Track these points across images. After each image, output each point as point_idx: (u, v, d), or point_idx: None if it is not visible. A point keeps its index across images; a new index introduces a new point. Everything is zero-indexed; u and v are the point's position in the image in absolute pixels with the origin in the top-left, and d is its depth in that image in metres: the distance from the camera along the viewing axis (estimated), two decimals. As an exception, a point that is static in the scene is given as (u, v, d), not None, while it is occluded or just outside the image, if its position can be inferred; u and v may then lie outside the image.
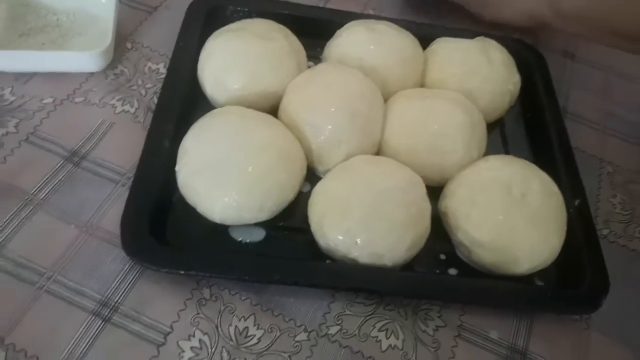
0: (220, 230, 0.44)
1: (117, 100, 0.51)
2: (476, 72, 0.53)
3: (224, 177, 0.42)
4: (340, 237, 0.41)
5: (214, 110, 0.46)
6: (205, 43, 0.51)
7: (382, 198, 0.42)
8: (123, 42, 0.56)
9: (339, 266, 0.42)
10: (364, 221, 0.41)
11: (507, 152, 0.55)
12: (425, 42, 0.57)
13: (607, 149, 0.58)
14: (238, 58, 0.49)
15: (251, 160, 0.42)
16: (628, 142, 0.59)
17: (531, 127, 0.57)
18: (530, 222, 0.43)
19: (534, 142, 0.56)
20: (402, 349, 0.41)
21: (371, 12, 0.67)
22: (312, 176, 0.48)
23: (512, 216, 0.43)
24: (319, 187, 0.45)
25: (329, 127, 0.46)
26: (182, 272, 0.40)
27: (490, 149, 0.52)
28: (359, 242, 0.41)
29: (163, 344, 0.39)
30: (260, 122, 0.45)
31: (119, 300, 0.40)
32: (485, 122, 0.53)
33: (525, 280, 0.45)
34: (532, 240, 0.43)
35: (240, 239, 0.44)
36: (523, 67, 0.58)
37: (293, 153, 0.45)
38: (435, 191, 0.48)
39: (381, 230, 0.41)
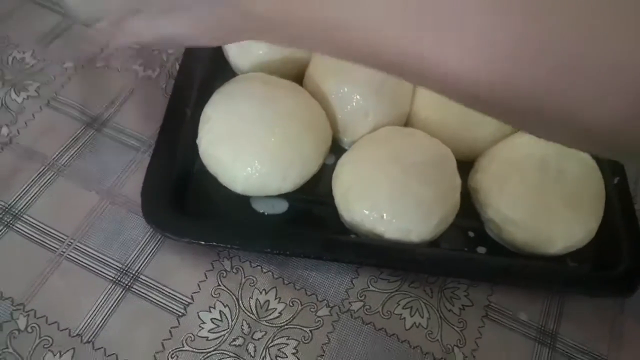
0: (243, 201, 0.43)
1: (139, 65, 0.50)
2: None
3: (247, 146, 0.40)
4: (366, 212, 0.40)
5: (237, 77, 0.45)
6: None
7: (410, 172, 0.40)
8: (145, 5, 0.54)
9: (364, 241, 0.41)
10: (391, 196, 0.39)
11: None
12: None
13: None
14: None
15: (274, 130, 0.41)
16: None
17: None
18: (566, 201, 0.41)
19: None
20: (426, 327, 0.40)
21: None
22: (337, 148, 0.46)
23: (547, 194, 0.41)
24: (344, 159, 0.43)
25: (356, 96, 0.44)
26: (203, 242, 0.39)
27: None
28: (385, 217, 0.39)
29: (183, 314, 0.38)
30: (285, 90, 0.43)
31: (139, 269, 0.39)
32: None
33: (557, 260, 0.43)
34: (567, 220, 0.41)
35: (262, 211, 0.43)
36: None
37: (318, 123, 0.43)
38: (465, 166, 0.46)
39: (409, 206, 0.39)
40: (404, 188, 0.40)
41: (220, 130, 0.41)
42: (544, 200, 0.41)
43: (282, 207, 0.43)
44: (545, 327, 0.41)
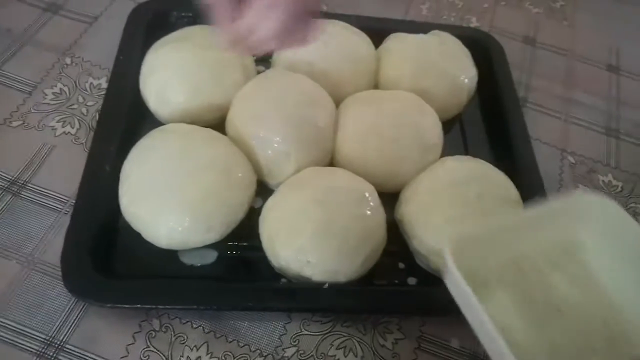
0: (170, 255, 0.42)
1: (57, 121, 0.49)
2: (430, 69, 0.51)
3: (167, 201, 0.40)
4: (291, 256, 0.40)
5: (154, 131, 0.44)
6: (145, 56, 0.49)
7: (333, 213, 0.41)
8: (62, 57, 0.53)
9: (292, 286, 0.41)
10: (315, 239, 0.40)
11: (466, 148, 0.54)
12: (379, 37, 0.55)
13: (569, 138, 0.57)
14: (179, 71, 0.47)
15: (194, 182, 0.41)
16: (591, 129, 0.59)
17: (490, 121, 0.55)
18: (486, 227, 0.42)
19: (492, 137, 0.55)
20: (361, 367, 0.40)
21: (324, 8, 0.64)
22: (264, 190, 0.46)
23: (467, 222, 0.42)
24: (268, 204, 0.43)
25: (276, 139, 0.44)
26: (127, 305, 0.38)
27: (450, 145, 0.51)
28: (311, 260, 0.40)
29: (112, 381, 0.37)
30: (204, 140, 0.43)
31: (64, 339, 0.38)
32: (443, 118, 0.52)
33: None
34: (489, 246, 0.42)
35: (191, 263, 0.43)
36: (481, 57, 0.57)
37: (240, 170, 0.43)
38: (393, 197, 0.47)
39: (334, 247, 0.40)
40: (327, 231, 0.40)
41: (139, 188, 0.41)
42: (464, 229, 0.42)
43: (211, 257, 0.43)
44: (476, 354, 0.42)
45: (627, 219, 0.34)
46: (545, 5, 0.71)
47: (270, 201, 0.43)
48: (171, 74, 0.47)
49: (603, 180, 0.54)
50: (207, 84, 0.47)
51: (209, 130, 0.45)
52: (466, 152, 0.53)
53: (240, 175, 0.43)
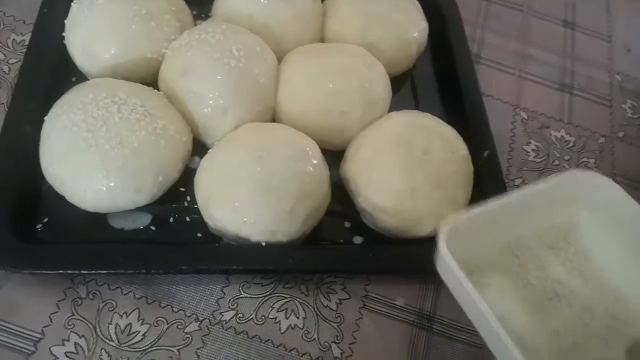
0: (99, 219, 0.40)
1: (-24, 80, 0.45)
2: (378, 22, 0.49)
3: (89, 159, 0.37)
4: (227, 217, 0.38)
5: (78, 86, 0.41)
6: (71, 7, 0.45)
7: (270, 170, 0.38)
8: (-19, 12, 0.49)
9: (229, 247, 0.39)
10: (251, 197, 0.38)
11: (417, 104, 0.52)
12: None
13: (522, 94, 0.56)
14: (106, 22, 0.43)
15: (120, 138, 0.38)
16: (544, 85, 0.57)
17: (441, 76, 0.54)
18: (432, 181, 0.41)
19: (444, 92, 0.53)
20: (302, 328, 0.39)
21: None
22: (202, 149, 0.43)
23: (412, 177, 0.40)
24: (203, 163, 0.41)
25: (212, 94, 0.42)
26: (46, 272, 0.36)
27: (400, 101, 0.49)
28: (247, 220, 0.38)
29: (33, 352, 0.35)
30: (132, 94, 0.40)
31: (-19, 309, 0.36)
32: (393, 74, 0.50)
33: (433, 241, 0.43)
34: (434, 202, 0.41)
35: (121, 227, 0.40)
36: (433, 11, 0.55)
37: (172, 126, 0.40)
38: (340, 155, 0.45)
39: (271, 206, 0.38)
40: (265, 189, 0.38)
41: (59, 146, 0.38)
42: (409, 184, 0.40)
43: (143, 220, 0.41)
44: (422, 310, 0.41)
45: (622, 193, 0.33)
46: (501, -40, 0.68)
47: (205, 160, 0.40)
48: (98, 26, 0.43)
49: (555, 136, 0.53)
50: (138, 36, 0.44)
51: (139, 84, 0.42)
52: (417, 107, 0.51)
53: (172, 131, 0.40)
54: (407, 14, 0.51)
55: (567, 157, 0.52)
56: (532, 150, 0.52)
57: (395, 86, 0.49)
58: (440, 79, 0.54)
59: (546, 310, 0.32)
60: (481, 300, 0.28)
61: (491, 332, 0.28)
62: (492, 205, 0.33)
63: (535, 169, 0.50)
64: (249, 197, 0.38)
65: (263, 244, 0.38)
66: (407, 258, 0.41)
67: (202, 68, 0.42)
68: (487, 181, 0.45)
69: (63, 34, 0.46)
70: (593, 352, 0.31)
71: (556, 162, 0.51)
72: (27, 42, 0.48)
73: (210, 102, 0.42)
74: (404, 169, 0.41)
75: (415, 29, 0.51)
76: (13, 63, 0.47)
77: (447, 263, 0.29)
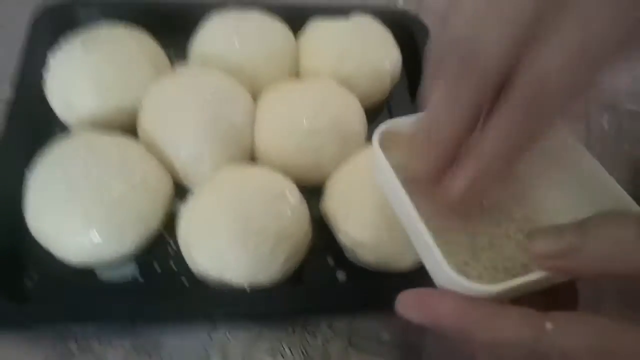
0: (87, 273, 0.40)
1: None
2: (350, 56, 0.50)
3: (71, 214, 0.38)
4: (209, 263, 0.39)
5: (59, 140, 0.42)
6: (48, 60, 0.46)
7: (248, 215, 0.39)
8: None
9: (212, 294, 0.40)
10: (230, 243, 0.38)
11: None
12: (301, 24, 0.54)
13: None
14: (82, 74, 0.44)
15: (100, 192, 0.38)
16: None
17: (416, 104, 0.54)
18: (409, 215, 0.41)
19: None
20: (290, 369, 0.39)
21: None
22: (184, 192, 0.44)
23: (389, 212, 0.41)
24: (184, 210, 0.41)
25: (188, 141, 0.42)
26: (32, 331, 0.36)
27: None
28: (227, 265, 0.38)
29: (24, 411, 0.35)
30: (110, 146, 0.41)
31: (-30, 371, 0.36)
32: (369, 104, 0.51)
33: (417, 274, 0.43)
34: (412, 234, 0.41)
35: (108, 279, 0.41)
36: (405, 40, 0.56)
37: (152, 176, 0.41)
38: (319, 191, 0.45)
39: (250, 249, 0.38)
40: (243, 234, 0.38)
41: (42, 201, 0.39)
42: (386, 218, 0.41)
43: (130, 270, 0.41)
44: (410, 344, 0.41)
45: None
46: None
47: (184, 208, 0.41)
48: (75, 76, 0.44)
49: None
50: (114, 85, 0.45)
51: (117, 135, 0.43)
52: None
53: (152, 181, 0.41)
54: (378, 46, 0.52)
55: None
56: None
57: (371, 116, 0.50)
58: (416, 107, 0.55)
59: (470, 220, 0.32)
60: (410, 203, 0.28)
61: (418, 238, 0.28)
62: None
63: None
64: (228, 243, 0.38)
65: (246, 287, 0.39)
66: (389, 293, 0.41)
67: (177, 117, 0.42)
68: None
69: (43, 87, 0.46)
70: (506, 252, 0.31)
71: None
72: (9, 97, 0.49)
73: (187, 148, 0.42)
74: (379, 203, 0.41)
75: (387, 60, 0.52)
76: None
77: (380, 165, 0.30)
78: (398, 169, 0.30)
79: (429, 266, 0.29)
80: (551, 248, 0.24)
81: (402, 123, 0.32)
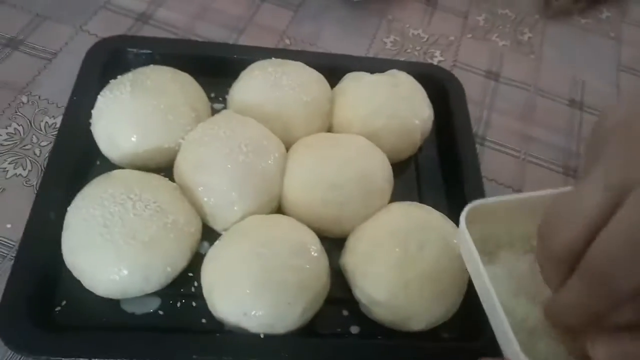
0: (113, 303, 0.43)
1: (9, 163, 0.49)
2: (382, 111, 0.51)
3: (105, 253, 0.40)
4: (228, 309, 0.41)
5: (98, 178, 0.45)
6: (97, 99, 0.49)
7: (270, 265, 0.41)
8: (19, 95, 0.54)
9: (227, 340, 0.41)
10: (251, 292, 0.40)
11: (420, 190, 0.54)
12: (337, 75, 0.56)
13: (525, 178, 0.57)
14: (128, 116, 0.47)
15: (134, 234, 0.41)
16: (549, 168, 0.59)
17: (445, 160, 0.56)
18: (425, 278, 0.42)
19: (447, 177, 0.55)
20: (296, 419, 0.40)
21: (287, 42, 0.64)
22: (211, 234, 0.46)
23: (406, 273, 0.42)
24: (210, 254, 0.43)
25: (219, 187, 0.45)
26: (63, 357, 0.38)
27: (403, 187, 0.52)
28: (246, 313, 0.40)
29: None
30: (146, 188, 0.43)
31: (0, 391, 0.39)
32: (397, 159, 0.52)
33: (430, 334, 0.44)
34: (427, 298, 0.42)
35: (132, 311, 0.43)
36: (439, 96, 0.57)
37: (183, 219, 0.43)
38: (343, 241, 0.47)
39: (269, 301, 0.40)
40: (264, 284, 0.40)
41: (78, 237, 0.41)
42: (403, 278, 0.42)
43: (152, 304, 0.43)
44: (412, 404, 0.42)
45: None
46: (512, 37, 0.71)
47: (211, 252, 0.43)
48: (120, 119, 0.47)
49: (557, 222, 0.54)
50: (156, 129, 0.47)
51: (154, 176, 0.45)
52: (419, 193, 0.53)
53: (182, 224, 0.43)
54: (411, 101, 0.53)
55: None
56: (533, 237, 0.53)
57: (399, 171, 0.52)
58: (443, 164, 0.56)
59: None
60: (490, 283, 0.30)
61: (495, 316, 0.30)
62: (514, 196, 0.35)
63: (534, 257, 0.51)
64: (249, 291, 0.40)
65: (261, 335, 0.41)
66: (400, 353, 0.42)
67: (212, 164, 0.45)
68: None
69: (90, 120, 0.50)
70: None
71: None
72: (57, 125, 0.52)
73: (219, 195, 0.45)
74: (399, 264, 0.42)
75: (418, 117, 0.53)
76: (44, 146, 0.51)
77: (465, 240, 0.32)
78: (480, 242, 0.32)
79: (500, 341, 0.31)
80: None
81: (490, 201, 0.34)
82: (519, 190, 0.56)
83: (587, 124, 0.63)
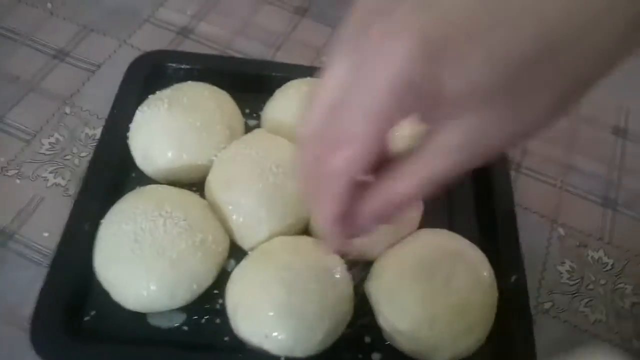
0: (140, 316, 0.44)
1: (50, 172, 0.51)
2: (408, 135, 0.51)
3: (135, 269, 0.41)
4: (250, 330, 0.41)
5: (131, 193, 0.46)
6: (136, 113, 0.51)
7: (294, 290, 0.41)
8: (62, 106, 0.56)
9: (246, 358, 0.42)
10: (273, 315, 0.40)
11: (450, 216, 0.53)
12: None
13: (561, 208, 0.55)
14: (164, 132, 0.48)
15: (163, 251, 0.42)
16: (586, 199, 0.56)
17: (477, 188, 0.54)
18: (452, 311, 0.42)
19: (479, 204, 0.53)
20: None
21: (324, 59, 0.65)
22: (238, 252, 0.47)
23: (432, 305, 0.42)
24: (234, 275, 0.44)
25: (250, 208, 0.45)
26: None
27: (434, 213, 0.51)
28: (268, 336, 0.40)
29: None
30: (177, 205, 0.44)
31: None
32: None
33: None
34: (453, 331, 0.42)
35: (158, 325, 0.44)
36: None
37: (211, 237, 0.44)
38: (369, 267, 0.46)
39: (291, 324, 0.40)
40: (287, 308, 0.40)
41: (109, 251, 0.42)
42: (429, 311, 0.42)
43: (178, 319, 0.44)
44: None
45: None
46: (554, 60, 0.68)
47: (236, 272, 0.44)
48: (156, 135, 0.48)
49: (592, 257, 0.52)
50: (191, 145, 0.48)
51: (186, 193, 0.46)
52: (450, 219, 0.52)
53: (210, 243, 0.44)
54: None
55: (602, 282, 0.51)
56: (566, 271, 0.51)
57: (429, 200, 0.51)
58: (476, 189, 0.54)
59: None
60: None
61: None
62: None
63: (567, 292, 0.50)
64: (271, 314, 0.40)
65: (282, 358, 0.41)
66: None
67: (242, 183, 0.45)
68: (512, 309, 0.45)
69: (127, 133, 0.51)
70: None
71: (590, 287, 0.50)
72: (97, 137, 0.54)
73: (248, 214, 0.45)
74: (425, 296, 0.42)
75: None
76: (84, 157, 0.53)
77: None
78: None
79: None
80: None
81: None
82: (554, 221, 0.54)
83: (631, 154, 0.60)
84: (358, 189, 0.25)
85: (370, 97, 0.22)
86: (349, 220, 0.26)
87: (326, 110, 0.23)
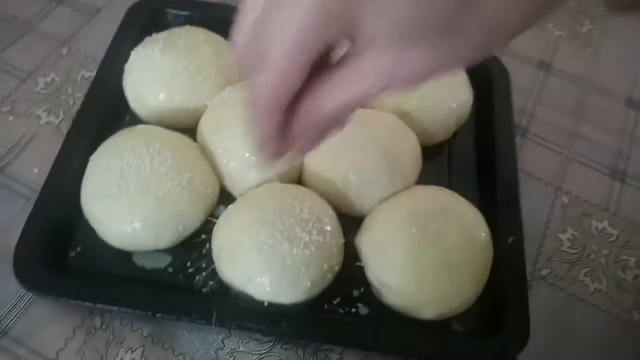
0: (125, 255, 0.43)
1: (44, 111, 0.50)
2: (416, 92, 0.49)
3: (120, 205, 0.40)
4: (234, 274, 0.40)
5: (123, 131, 0.45)
6: (130, 55, 0.50)
7: (281, 234, 0.40)
8: (60, 47, 0.55)
9: (232, 303, 0.41)
10: (258, 260, 0.39)
11: (450, 176, 0.51)
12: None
13: (567, 176, 0.53)
14: (157, 74, 0.47)
15: (149, 188, 0.41)
16: (593, 168, 0.54)
17: (481, 149, 0.53)
18: (442, 268, 0.40)
19: (481, 167, 0.52)
20: (292, 393, 0.39)
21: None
22: (229, 198, 0.46)
23: (422, 261, 0.40)
24: (221, 219, 0.43)
25: (239, 151, 0.44)
26: (65, 300, 0.39)
27: (433, 172, 0.49)
28: (251, 279, 0.39)
29: (46, 373, 0.38)
30: (168, 145, 0.43)
31: (10, 324, 0.40)
32: (429, 144, 0.50)
33: (441, 324, 0.42)
34: (442, 288, 0.40)
35: (142, 265, 0.43)
36: (482, 82, 0.54)
37: (200, 180, 0.43)
38: (360, 220, 0.45)
39: (276, 270, 0.39)
40: (272, 253, 0.39)
41: (97, 187, 0.42)
42: (418, 266, 0.40)
43: (164, 261, 0.43)
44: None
45: None
46: (570, 28, 0.66)
47: (223, 216, 0.43)
48: (149, 76, 0.47)
49: (596, 227, 0.50)
50: (184, 88, 0.47)
51: (177, 135, 0.45)
52: (449, 180, 0.51)
53: (198, 184, 0.43)
54: (449, 85, 0.50)
55: (605, 252, 0.49)
56: (568, 239, 0.49)
57: (431, 155, 0.49)
58: (479, 152, 0.53)
59: None
60: None
61: None
62: None
63: (566, 261, 0.48)
64: (257, 259, 0.39)
65: (265, 304, 0.40)
66: (407, 341, 0.40)
67: (233, 126, 0.44)
68: (506, 271, 0.43)
69: (123, 76, 0.50)
70: None
71: (592, 257, 0.48)
72: (93, 79, 0.53)
73: (238, 158, 0.44)
74: (415, 251, 0.40)
75: (455, 101, 0.50)
76: (79, 97, 0.52)
77: None
78: None
79: None
80: None
81: None
82: (559, 189, 0.52)
83: (644, 126, 0.58)
84: (292, 104, 0.24)
85: (287, 23, 0.21)
86: (284, 135, 0.25)
87: (250, 29, 0.23)
